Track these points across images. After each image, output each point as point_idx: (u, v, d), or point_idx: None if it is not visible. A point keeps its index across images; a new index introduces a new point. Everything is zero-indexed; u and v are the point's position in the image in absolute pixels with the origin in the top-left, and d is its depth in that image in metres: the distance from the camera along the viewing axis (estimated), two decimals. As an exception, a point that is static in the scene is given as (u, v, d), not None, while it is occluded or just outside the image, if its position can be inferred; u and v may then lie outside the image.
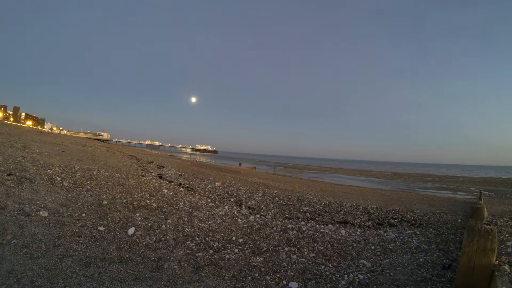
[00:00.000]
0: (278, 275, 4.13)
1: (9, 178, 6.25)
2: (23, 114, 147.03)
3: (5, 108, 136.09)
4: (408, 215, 9.12)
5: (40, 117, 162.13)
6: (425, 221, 8.21)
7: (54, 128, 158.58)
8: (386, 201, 13.99)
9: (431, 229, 7.29)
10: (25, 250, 3.82)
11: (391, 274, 4.41)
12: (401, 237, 6.52)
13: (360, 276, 4.25)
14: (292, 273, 4.24)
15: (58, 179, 7.23)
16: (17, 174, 6.66)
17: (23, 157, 8.49)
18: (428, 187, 34.82)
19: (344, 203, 11.12)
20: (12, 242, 3.94)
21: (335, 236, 6.26)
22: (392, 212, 9.60)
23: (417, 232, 6.95)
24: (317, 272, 4.33)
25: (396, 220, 8.36)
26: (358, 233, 6.72)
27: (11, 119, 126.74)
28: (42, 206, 5.34)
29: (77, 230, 4.77)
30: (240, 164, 54.27)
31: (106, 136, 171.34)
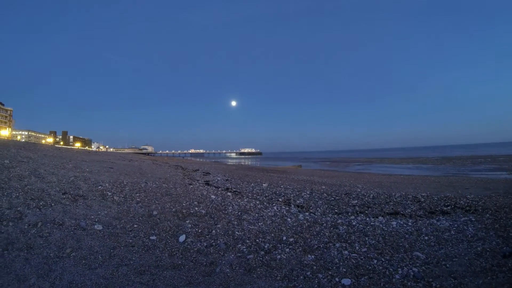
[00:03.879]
0: (330, 272, 4.13)
1: (64, 196, 6.71)
2: (71, 137, 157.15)
3: (55, 134, 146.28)
4: (461, 201, 8.73)
5: (87, 138, 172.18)
6: (480, 207, 7.80)
7: (101, 147, 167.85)
8: (436, 188, 13.47)
9: (488, 215, 6.91)
10: (83, 261, 4.14)
11: (447, 265, 4.24)
12: (456, 225, 6.23)
13: (414, 269, 4.14)
14: (345, 270, 4.21)
15: (109, 194, 7.63)
16: (71, 192, 7.12)
17: (75, 176, 9.04)
18: (480, 169, 32.93)
19: (393, 193, 10.85)
20: (71, 255, 4.28)
21: (386, 229, 6.12)
22: (444, 199, 9.23)
23: (473, 219, 6.62)
24: (370, 267, 4.27)
25: (449, 208, 8.01)
26: (409, 223, 6.53)
27: (61, 142, 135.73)
28: (96, 220, 5.71)
29: (131, 240, 5.04)
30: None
31: (150, 149, 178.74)
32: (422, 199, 9.36)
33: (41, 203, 5.94)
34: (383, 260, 4.53)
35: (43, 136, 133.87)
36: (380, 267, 4.26)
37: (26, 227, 4.88)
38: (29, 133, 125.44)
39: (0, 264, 3.79)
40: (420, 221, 6.70)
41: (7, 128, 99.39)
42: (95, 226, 5.40)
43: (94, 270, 3.94)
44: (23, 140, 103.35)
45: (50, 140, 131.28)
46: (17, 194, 6.16)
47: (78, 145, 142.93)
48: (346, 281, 3.86)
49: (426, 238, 5.48)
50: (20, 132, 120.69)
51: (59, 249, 4.38)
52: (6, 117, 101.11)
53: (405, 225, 6.37)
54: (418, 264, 4.33)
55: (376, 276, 4.01)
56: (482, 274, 3.93)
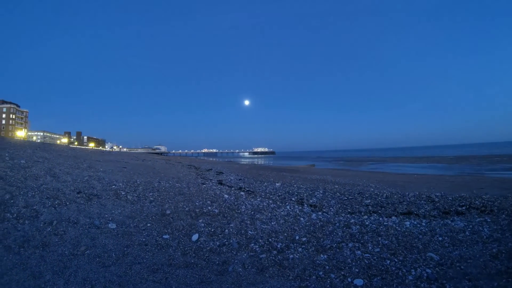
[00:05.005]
0: (342, 273, 4.11)
1: (79, 196, 6.81)
2: (85, 137, 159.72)
3: (69, 134, 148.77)
4: (476, 201, 8.57)
5: (101, 138, 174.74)
6: (496, 207, 7.64)
7: (115, 147, 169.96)
8: (451, 188, 13.27)
9: (504, 216, 6.75)
10: (97, 259, 4.22)
11: (462, 267, 4.15)
12: (471, 226, 6.10)
13: (428, 270, 4.07)
14: (357, 270, 4.18)
15: (123, 193, 7.72)
16: (86, 191, 7.23)
17: (89, 176, 9.17)
18: (496, 168, 32.24)
19: (407, 193, 10.76)
20: (86, 252, 4.36)
21: (399, 229, 6.03)
22: (459, 199, 9.09)
23: (488, 220, 6.48)
24: (383, 268, 4.22)
25: (463, 208, 7.88)
26: (423, 223, 6.44)
27: (76, 143, 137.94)
28: (110, 219, 5.79)
29: (144, 239, 5.10)
30: None
31: (163, 149, 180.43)
32: (436, 199, 9.24)
33: (56, 202, 6.05)
34: (396, 260, 4.47)
35: (57, 136, 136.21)
36: (393, 268, 4.21)
37: (41, 225, 4.98)
38: (44, 133, 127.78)
39: (16, 261, 3.88)
40: (434, 222, 6.61)
41: (23, 129, 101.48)
42: (109, 225, 5.47)
43: (108, 268, 4.00)
44: (38, 140, 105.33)
45: (64, 140, 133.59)
46: (33, 193, 6.28)
47: (92, 145, 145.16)
48: (359, 282, 3.83)
49: (440, 239, 5.39)
50: (36, 133, 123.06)
51: (74, 247, 4.45)
52: (22, 118, 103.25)
53: (418, 226, 6.28)
54: (431, 265, 4.25)
55: (389, 276, 3.97)
56: (497, 276, 3.83)
